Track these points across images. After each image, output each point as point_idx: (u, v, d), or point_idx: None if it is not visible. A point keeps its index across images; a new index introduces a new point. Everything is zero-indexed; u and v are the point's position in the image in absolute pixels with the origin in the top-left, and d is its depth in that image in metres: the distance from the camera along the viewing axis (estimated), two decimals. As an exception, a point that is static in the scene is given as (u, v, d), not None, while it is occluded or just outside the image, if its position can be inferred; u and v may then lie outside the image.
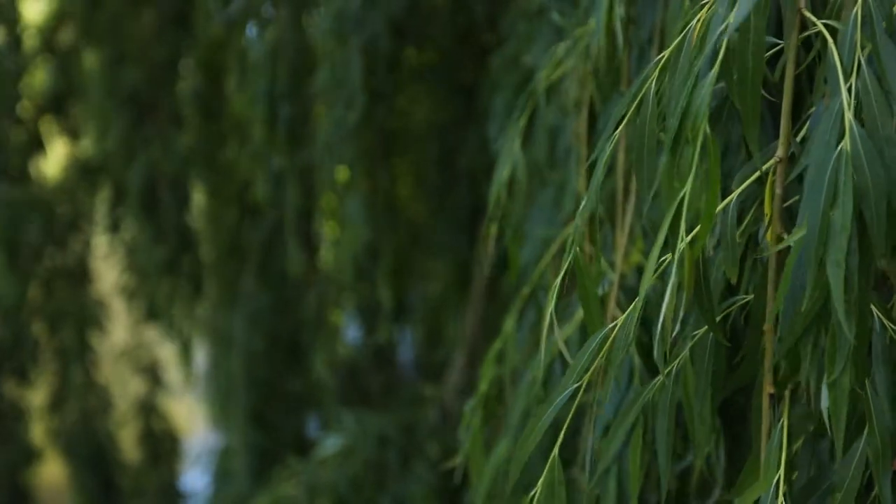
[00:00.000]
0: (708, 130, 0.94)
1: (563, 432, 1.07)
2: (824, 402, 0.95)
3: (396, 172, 4.31)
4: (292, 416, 4.32)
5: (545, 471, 1.08)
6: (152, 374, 5.21)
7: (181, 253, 4.43)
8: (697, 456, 1.09)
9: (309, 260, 4.15)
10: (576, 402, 1.08)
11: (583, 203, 1.17)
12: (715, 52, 0.98)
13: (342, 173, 3.15)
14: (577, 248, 1.21)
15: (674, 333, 1.03)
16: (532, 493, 1.09)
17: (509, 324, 1.55)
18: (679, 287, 0.97)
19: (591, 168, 1.20)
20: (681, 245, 0.94)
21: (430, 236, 4.16)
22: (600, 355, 1.08)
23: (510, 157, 1.48)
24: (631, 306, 1.06)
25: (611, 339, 1.08)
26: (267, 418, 4.22)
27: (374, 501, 3.55)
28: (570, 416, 1.08)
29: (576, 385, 1.07)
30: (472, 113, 3.66)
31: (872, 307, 1.07)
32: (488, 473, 1.40)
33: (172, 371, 5.20)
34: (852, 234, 0.95)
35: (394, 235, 3.97)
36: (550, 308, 1.24)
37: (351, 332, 4.59)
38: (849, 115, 0.99)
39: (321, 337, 4.02)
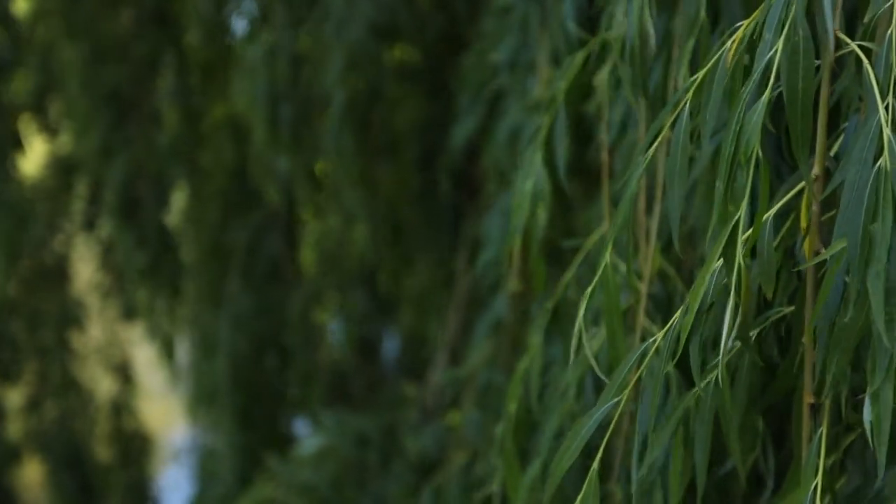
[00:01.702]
0: (760, 154, 0.97)
1: (602, 448, 1.08)
2: (867, 416, 0.97)
3: (381, 171, 4.31)
4: (277, 416, 4.32)
5: (584, 486, 1.10)
6: (125, 374, 5.19)
7: (162, 252, 4.41)
8: (739, 466, 1.12)
9: (293, 260, 4.16)
10: (615, 417, 1.10)
11: (618, 219, 1.19)
12: (765, 77, 1.01)
13: (338, 170, 3.16)
14: (608, 263, 1.23)
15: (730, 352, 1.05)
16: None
17: (535, 339, 1.56)
18: (736, 308, 0.99)
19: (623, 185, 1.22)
20: (736, 267, 0.97)
21: (413, 236, 4.17)
22: (640, 370, 1.10)
23: (533, 171, 1.49)
24: (671, 322, 1.08)
25: (650, 354, 1.11)
26: (251, 418, 4.21)
27: (354, 502, 3.56)
28: (609, 431, 1.10)
29: (615, 400, 1.09)
30: (456, 112, 3.67)
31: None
32: (523, 493, 1.42)
33: (150, 370, 5.18)
34: (892, 247, 0.97)
35: (380, 234, 3.97)
36: (580, 321, 1.26)
37: (335, 332, 4.60)
38: (887, 132, 1.02)
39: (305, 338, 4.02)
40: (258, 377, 4.19)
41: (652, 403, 1.12)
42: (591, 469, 1.09)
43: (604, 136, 1.52)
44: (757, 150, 0.98)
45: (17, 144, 4.79)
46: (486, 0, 3.27)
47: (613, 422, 1.12)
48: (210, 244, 4.43)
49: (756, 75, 1.02)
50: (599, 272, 1.19)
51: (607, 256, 1.19)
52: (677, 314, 1.10)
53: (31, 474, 5.17)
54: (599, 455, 1.08)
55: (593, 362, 1.23)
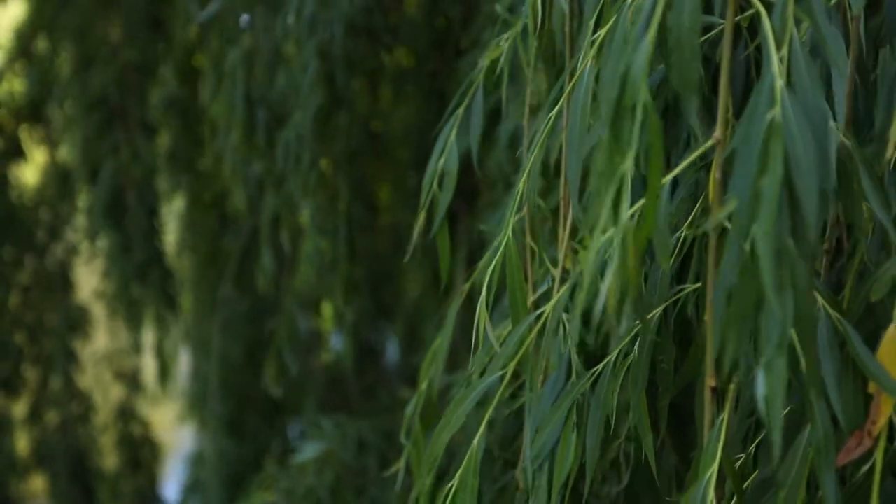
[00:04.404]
0: (648, 97, 0.88)
1: (484, 423, 1.02)
2: (760, 390, 0.87)
3: (377, 176, 4.27)
4: (273, 423, 4.27)
5: (464, 461, 1.04)
6: (132, 380, 5.17)
7: (153, 261, 4.36)
8: (650, 454, 1.04)
9: (284, 266, 4.10)
10: (499, 392, 1.03)
11: (518, 193, 1.13)
12: (651, 14, 0.92)
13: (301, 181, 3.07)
14: (510, 237, 1.17)
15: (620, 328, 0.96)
16: (449, 485, 1.06)
17: (448, 321, 1.51)
18: (623, 271, 0.90)
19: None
20: (622, 223, 0.87)
21: (409, 240, 4.11)
22: (526, 343, 1.03)
23: (445, 148, 1.44)
24: (559, 293, 1.01)
25: (538, 326, 1.04)
26: (247, 425, 4.17)
27: (353, 508, 3.51)
28: (492, 405, 1.04)
29: (500, 373, 1.03)
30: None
31: (816, 294, 1.02)
32: (428, 473, 1.36)
33: (155, 377, 5.16)
34: (782, 203, 0.89)
35: (371, 240, 3.90)
36: (482, 304, 1.21)
37: (334, 337, 4.56)
38: (780, 84, 0.94)
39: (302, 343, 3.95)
40: (252, 383, 4.14)
41: (534, 384, 1.05)
42: (472, 446, 1.02)
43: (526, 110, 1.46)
44: (644, 93, 0.89)
45: (17, 154, 4.80)
46: (477, 6, 3.21)
47: (498, 396, 1.06)
48: (207, 251, 4.39)
49: (643, 13, 0.93)
50: (500, 250, 1.13)
51: (508, 232, 1.13)
52: (566, 284, 1.02)
53: (36, 485, 5.15)
54: (481, 432, 1.02)
55: (496, 344, 1.16)
